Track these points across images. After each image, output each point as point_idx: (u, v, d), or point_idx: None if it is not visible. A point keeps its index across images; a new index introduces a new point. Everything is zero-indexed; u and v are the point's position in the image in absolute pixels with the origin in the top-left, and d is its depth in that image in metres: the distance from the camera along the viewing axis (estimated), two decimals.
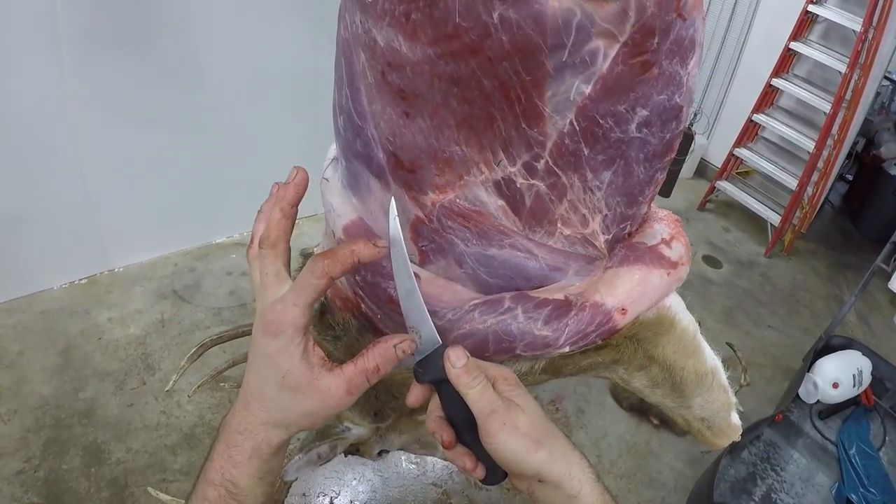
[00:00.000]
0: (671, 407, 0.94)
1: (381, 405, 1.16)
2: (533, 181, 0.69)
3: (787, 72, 4.19)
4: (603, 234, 0.74)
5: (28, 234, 3.04)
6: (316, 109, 3.55)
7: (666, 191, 4.47)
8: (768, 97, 4.29)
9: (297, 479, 1.22)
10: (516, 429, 0.65)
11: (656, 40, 0.60)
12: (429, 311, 0.73)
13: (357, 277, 0.79)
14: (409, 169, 0.72)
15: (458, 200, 0.71)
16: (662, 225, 0.81)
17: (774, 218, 4.32)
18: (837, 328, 3.12)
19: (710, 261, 4.27)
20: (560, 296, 0.72)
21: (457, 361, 0.66)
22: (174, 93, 3.10)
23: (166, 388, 1.40)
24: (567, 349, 0.72)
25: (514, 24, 0.58)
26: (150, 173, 3.23)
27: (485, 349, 0.72)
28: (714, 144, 5.04)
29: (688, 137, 4.20)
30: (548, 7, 0.57)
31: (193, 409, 2.73)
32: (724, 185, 4.62)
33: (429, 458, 2.68)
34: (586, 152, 0.67)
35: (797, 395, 2.89)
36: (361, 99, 0.73)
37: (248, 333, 1.47)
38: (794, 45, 3.96)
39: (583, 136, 0.65)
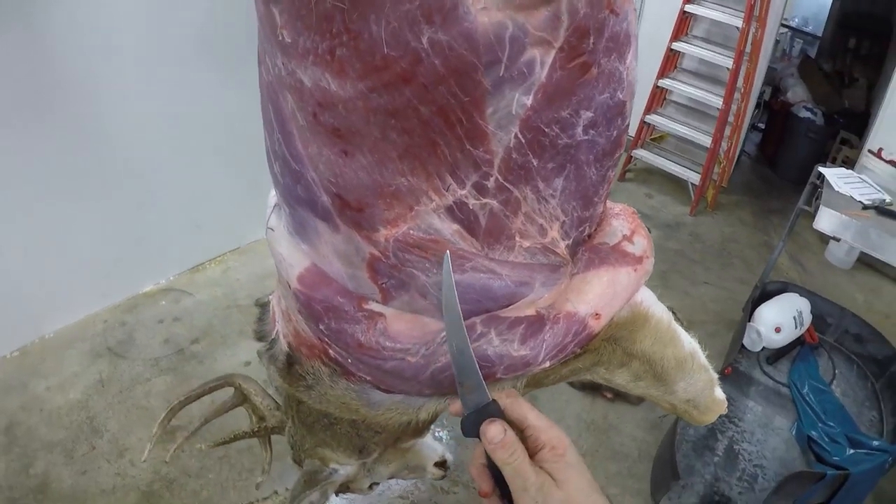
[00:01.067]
0: (656, 396, 0.94)
1: (365, 441, 1.12)
2: (485, 200, 0.67)
3: (686, 34, 4.31)
4: (563, 240, 0.73)
5: None
6: (232, 149, 3.45)
7: None
8: (671, 61, 4.40)
9: None
10: None
11: (592, 40, 0.58)
12: (401, 349, 0.70)
13: (321, 326, 0.75)
14: (357, 208, 0.68)
15: (411, 232, 0.68)
16: (620, 221, 0.81)
17: (694, 177, 4.45)
18: (772, 274, 3.23)
19: None
20: (531, 311, 0.70)
21: (493, 438, 0.66)
22: (78, 151, 2.97)
23: (143, 459, 1.34)
24: (548, 364, 0.71)
25: (445, 47, 0.56)
26: (67, 235, 3.09)
27: None
28: None
29: None
30: (478, 24, 0.55)
31: (147, 465, 2.63)
32: (641, 153, 4.73)
33: None
34: (535, 163, 0.65)
35: (742, 346, 2.97)
36: (295, 143, 0.69)
37: (213, 390, 1.42)
38: (689, 8, 4.08)
39: (530, 147, 0.63)
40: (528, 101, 0.60)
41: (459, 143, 0.62)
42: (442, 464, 1.45)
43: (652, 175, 4.98)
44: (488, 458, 0.68)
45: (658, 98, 4.58)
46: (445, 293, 0.67)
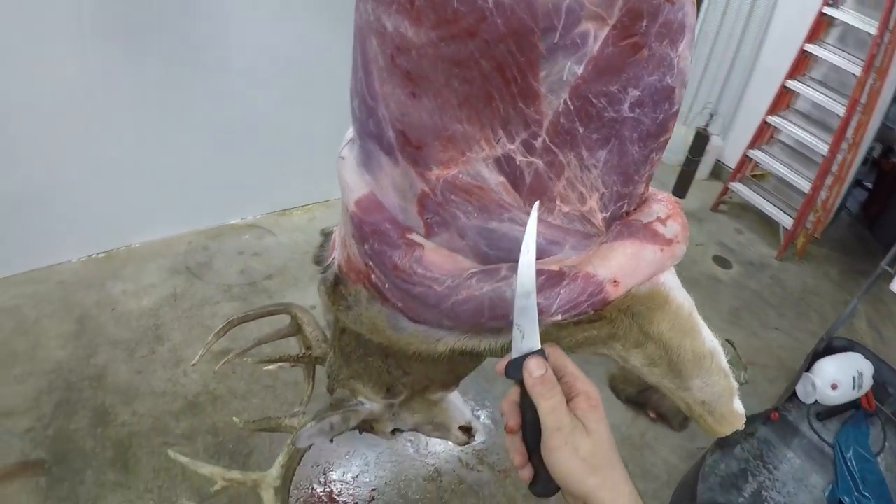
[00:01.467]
0: (670, 388, 0.96)
1: (394, 380, 1.20)
2: (532, 158, 0.74)
3: (804, 74, 4.18)
4: (601, 211, 0.78)
5: (50, 210, 3.17)
6: (331, 98, 3.63)
7: (680, 191, 4.49)
8: (783, 99, 4.28)
9: (310, 448, 1.26)
10: (576, 451, 0.68)
11: (645, 23, 0.64)
12: (430, 277, 0.78)
13: (366, 246, 0.84)
14: (416, 146, 0.76)
15: (461, 176, 0.76)
16: (660, 205, 0.85)
17: (787, 221, 4.31)
18: (845, 333, 3.11)
19: (720, 261, 4.28)
20: (555, 267, 0.76)
21: (535, 371, 0.69)
22: (193, 79, 3.20)
23: (192, 363, 1.48)
24: (559, 317, 0.76)
25: (507, 9, 0.63)
26: (169, 155, 3.34)
27: (481, 315, 0.77)
28: (730, 146, 5.04)
29: (703, 138, 4.21)
30: None
31: (198, 378, 2.84)
32: (738, 187, 4.62)
33: (422, 437, 2.74)
34: (581, 131, 0.71)
35: (795, 395, 2.89)
36: (373, 82, 0.78)
37: (272, 314, 1.55)
38: (809, 48, 3.95)
39: (577, 114, 0.69)
40: (579, 70, 0.66)
41: (513, 100, 0.69)
42: (468, 430, 1.50)
43: (746, 211, 4.86)
44: (522, 398, 0.71)
45: (765, 134, 4.45)
46: (527, 236, 0.70)
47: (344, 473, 2.61)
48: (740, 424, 1.03)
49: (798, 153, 4.49)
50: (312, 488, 2.55)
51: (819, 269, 4.46)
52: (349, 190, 0.88)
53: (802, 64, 4.14)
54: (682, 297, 0.88)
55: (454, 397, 1.46)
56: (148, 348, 2.97)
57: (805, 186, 4.15)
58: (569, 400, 0.71)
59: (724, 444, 2.69)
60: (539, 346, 0.71)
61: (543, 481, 0.72)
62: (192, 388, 2.80)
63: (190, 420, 2.66)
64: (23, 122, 2.90)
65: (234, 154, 3.52)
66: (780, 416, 2.83)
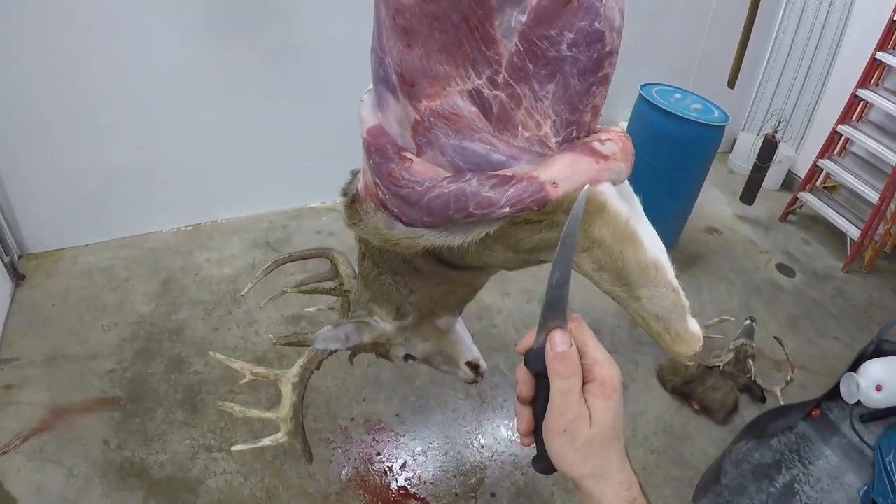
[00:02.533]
0: (622, 297, 1.07)
1: (402, 299, 1.42)
2: (496, 92, 0.95)
3: (877, 84, 4.13)
4: (554, 136, 0.98)
5: (147, 183, 3.59)
6: None
7: (748, 198, 4.50)
8: (853, 108, 4.23)
9: (326, 352, 1.49)
10: (573, 440, 0.70)
11: None
12: (414, 181, 1.00)
13: (370, 161, 1.08)
14: (410, 84, 0.99)
15: (443, 106, 0.98)
16: (606, 132, 1.02)
17: (854, 232, 4.26)
18: None
19: (784, 269, 4.27)
20: (508, 173, 0.96)
21: (559, 345, 0.70)
22: (283, 70, 3.54)
23: (241, 293, 1.74)
24: (507, 209, 0.93)
25: None
26: (258, 139, 3.69)
27: (448, 208, 0.97)
28: (802, 157, 5.00)
29: (771, 144, 4.22)
30: None
31: (268, 338, 3.10)
32: (807, 197, 4.59)
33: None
34: (531, 68, 0.91)
35: (839, 395, 2.89)
36: (382, 38, 1.01)
37: (313, 256, 1.80)
38: (881, 56, 3.92)
39: (527, 54, 0.90)
40: (524, 18, 0.87)
41: (477, 45, 0.91)
42: (475, 367, 1.68)
43: (815, 223, 4.81)
44: (539, 375, 0.72)
45: (836, 144, 4.41)
46: (570, 224, 0.71)
47: (393, 433, 2.82)
48: (696, 345, 1.10)
49: (869, 164, 4.41)
50: (363, 445, 2.77)
51: (886, 283, 4.35)
52: (364, 122, 1.12)
53: (874, 73, 4.09)
54: (619, 206, 1.00)
55: (464, 334, 1.65)
56: (225, 309, 3.31)
57: (873, 197, 4.09)
58: (584, 383, 0.72)
59: (760, 434, 2.73)
60: (567, 324, 0.72)
61: (544, 459, 0.74)
62: (262, 346, 3.11)
63: None
64: (128, 104, 3.31)
65: (319, 141, 3.81)
66: (821, 413, 2.83)
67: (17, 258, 3.47)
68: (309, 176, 3.95)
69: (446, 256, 1.15)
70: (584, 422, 0.69)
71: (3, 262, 3.26)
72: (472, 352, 1.67)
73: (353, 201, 1.21)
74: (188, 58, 3.29)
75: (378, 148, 1.06)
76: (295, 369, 1.51)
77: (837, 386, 2.85)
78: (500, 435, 2.88)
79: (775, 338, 3.31)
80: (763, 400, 3.18)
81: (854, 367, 2.91)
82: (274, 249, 3.72)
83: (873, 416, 2.83)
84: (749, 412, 3.11)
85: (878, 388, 2.79)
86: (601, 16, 0.88)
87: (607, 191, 0.99)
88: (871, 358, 2.93)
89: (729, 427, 3.08)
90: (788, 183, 5.16)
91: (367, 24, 1.11)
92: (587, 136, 1.00)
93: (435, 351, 1.64)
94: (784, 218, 4.83)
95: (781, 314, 3.87)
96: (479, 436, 2.87)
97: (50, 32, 2.99)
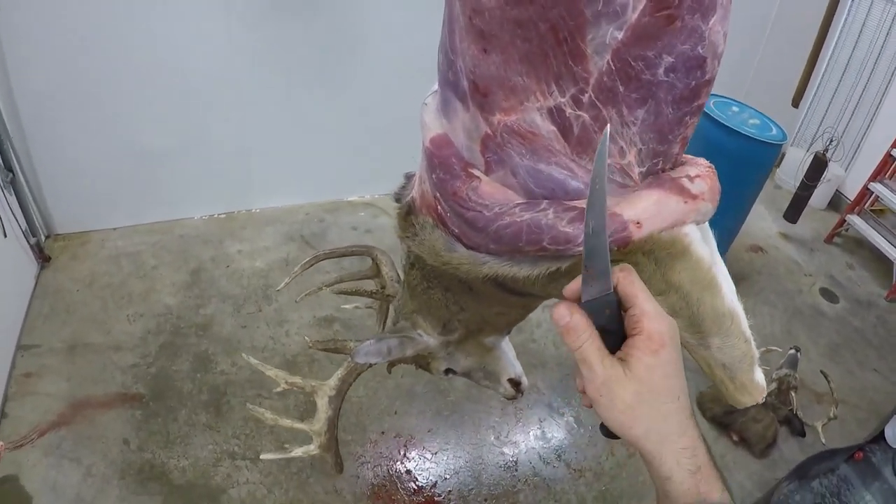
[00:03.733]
0: (692, 345, 1.01)
1: (451, 315, 1.35)
2: (579, 112, 0.87)
3: None
4: (638, 166, 0.90)
5: (179, 168, 3.51)
6: None
7: (792, 216, 4.36)
8: None
9: (366, 365, 1.43)
10: (612, 404, 0.67)
11: None
12: (482, 204, 0.92)
13: (433, 175, 1.00)
14: (484, 94, 0.91)
15: (518, 122, 0.90)
16: (693, 167, 0.94)
17: None
18: None
19: (827, 294, 4.14)
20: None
21: (558, 320, 0.68)
22: (336, 57, 3.44)
23: (277, 289, 1.68)
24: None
25: None
26: (300, 127, 3.61)
27: (519, 238, 0.89)
28: (851, 177, 4.84)
29: (820, 162, 4.08)
30: None
31: (299, 339, 3.03)
32: (855, 220, 4.43)
33: (505, 427, 2.84)
34: (622, 90, 0.83)
35: (883, 438, 2.77)
36: (455, 39, 0.93)
37: (355, 254, 1.72)
38: None
39: (618, 75, 0.82)
40: (620, 35, 0.79)
41: (564, 59, 0.83)
42: (517, 384, 1.62)
43: (860, 247, 4.66)
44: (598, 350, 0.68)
45: (888, 167, 4.25)
46: (597, 165, 0.67)
47: (424, 449, 2.74)
48: (760, 396, 1.06)
49: None
50: (392, 460, 2.69)
51: None
52: (427, 129, 1.04)
53: None
54: (703, 252, 0.94)
55: (507, 349, 1.58)
56: (255, 306, 3.22)
57: None
58: (630, 335, 0.68)
59: (803, 476, 2.64)
60: (610, 288, 0.68)
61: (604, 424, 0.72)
62: (292, 348, 3.01)
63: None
64: (168, 85, 3.24)
65: (363, 134, 3.74)
66: (864, 456, 2.73)
67: (43, 239, 3.43)
68: (349, 169, 3.88)
69: (508, 284, 1.07)
70: (618, 382, 0.66)
71: (29, 243, 3.22)
72: (515, 368, 1.61)
73: (408, 212, 1.13)
74: (234, 40, 3.23)
75: (442, 161, 0.98)
76: (332, 381, 1.45)
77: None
78: (534, 458, 2.78)
79: (821, 372, 3.19)
80: (803, 434, 3.07)
81: None
82: (308, 244, 3.65)
83: None
84: (788, 446, 3.00)
85: None
86: (705, 40, 0.79)
87: (692, 233, 0.92)
88: None
89: (766, 461, 2.97)
90: (835, 203, 5.01)
91: (435, 17, 1.03)
92: (673, 169, 0.92)
93: (477, 366, 1.58)
94: (829, 240, 4.68)
95: (822, 342, 3.74)
96: (514, 458, 2.78)
97: (85, 10, 2.93)
